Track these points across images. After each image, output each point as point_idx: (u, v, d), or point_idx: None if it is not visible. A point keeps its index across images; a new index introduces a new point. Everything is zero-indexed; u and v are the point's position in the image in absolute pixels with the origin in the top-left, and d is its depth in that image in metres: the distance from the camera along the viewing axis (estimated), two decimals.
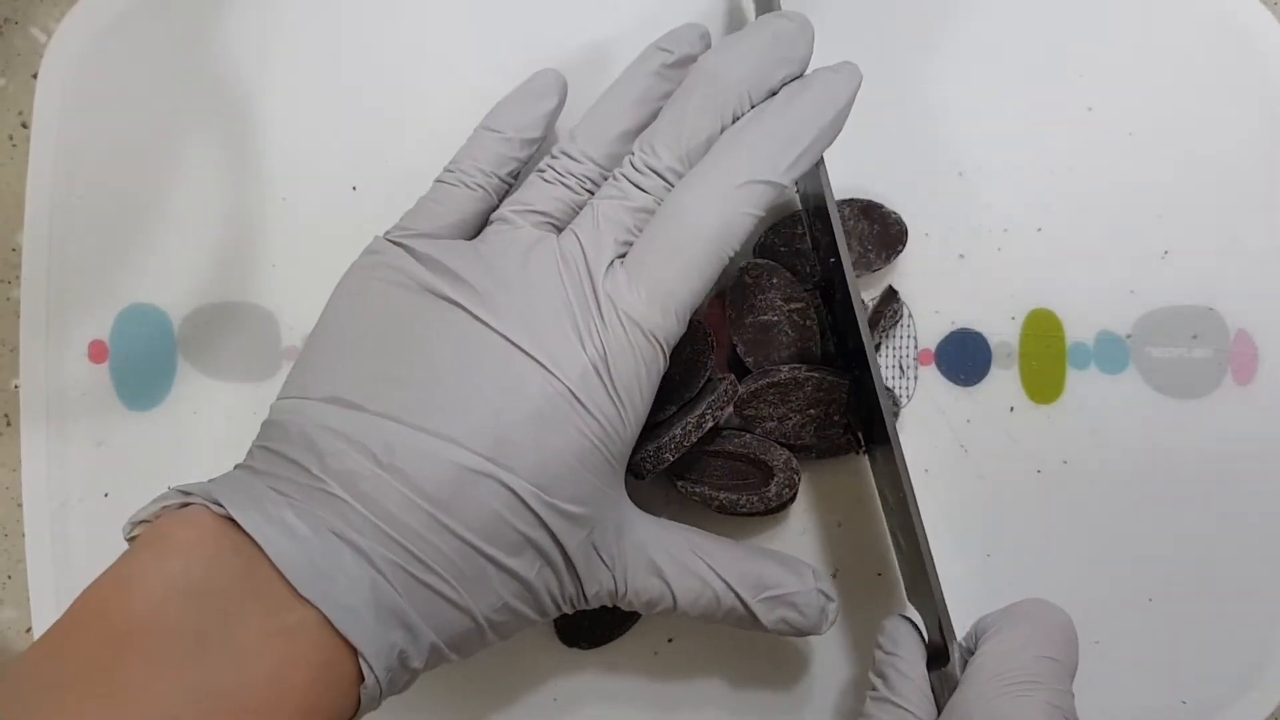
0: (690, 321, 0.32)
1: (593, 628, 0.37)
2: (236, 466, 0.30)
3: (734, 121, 0.31)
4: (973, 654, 0.31)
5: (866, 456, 0.37)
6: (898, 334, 0.38)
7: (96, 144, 0.38)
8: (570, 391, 0.29)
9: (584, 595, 0.31)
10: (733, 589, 0.32)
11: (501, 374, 0.29)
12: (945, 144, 0.38)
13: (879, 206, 0.37)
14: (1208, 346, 0.38)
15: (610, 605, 0.32)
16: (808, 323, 0.36)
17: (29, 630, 0.38)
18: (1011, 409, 0.38)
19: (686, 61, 0.32)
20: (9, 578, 0.39)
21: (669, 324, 0.30)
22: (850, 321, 0.34)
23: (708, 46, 0.33)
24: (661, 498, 0.37)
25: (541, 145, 0.34)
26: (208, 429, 0.38)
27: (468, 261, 0.30)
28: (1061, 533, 0.38)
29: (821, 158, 0.32)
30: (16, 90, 0.39)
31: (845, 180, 0.38)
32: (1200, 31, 0.38)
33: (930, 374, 0.38)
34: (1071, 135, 0.38)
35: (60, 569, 0.38)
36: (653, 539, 0.32)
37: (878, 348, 0.38)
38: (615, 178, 0.31)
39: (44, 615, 0.37)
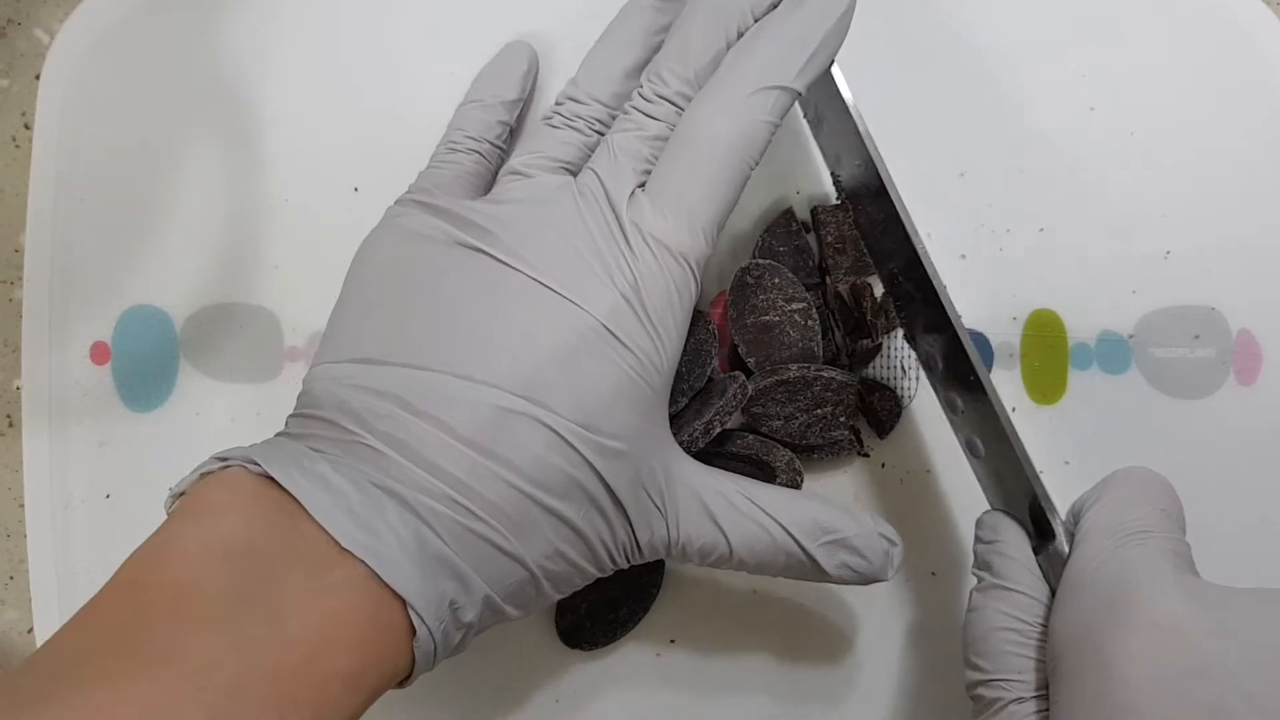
0: (694, 311, 0.32)
1: (594, 629, 0.37)
2: (276, 434, 0.29)
3: (736, 32, 0.30)
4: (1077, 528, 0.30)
5: (879, 437, 0.37)
6: (899, 334, 0.38)
7: (99, 145, 0.38)
8: (602, 324, 0.28)
9: (637, 543, 0.30)
10: (790, 533, 0.31)
11: (530, 314, 0.28)
12: (947, 144, 0.38)
13: None
14: (1210, 347, 0.38)
15: (664, 556, 0.31)
16: (809, 322, 0.36)
17: (30, 631, 0.38)
18: (1013, 409, 0.38)
19: None
20: (11, 578, 0.39)
21: (698, 244, 0.29)
22: (896, 231, 0.32)
23: None
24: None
25: (525, 107, 0.36)
26: (210, 430, 0.38)
27: (486, 209, 0.30)
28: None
29: (833, 74, 0.32)
30: (20, 91, 0.39)
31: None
32: (1202, 31, 0.38)
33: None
34: (1073, 135, 0.38)
35: (62, 570, 0.38)
36: (703, 483, 0.31)
37: (879, 349, 0.38)
38: (627, 111, 0.31)
39: (46, 616, 0.37)
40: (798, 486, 0.36)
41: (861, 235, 0.36)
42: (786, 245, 0.37)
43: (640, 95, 0.31)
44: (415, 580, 0.26)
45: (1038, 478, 0.31)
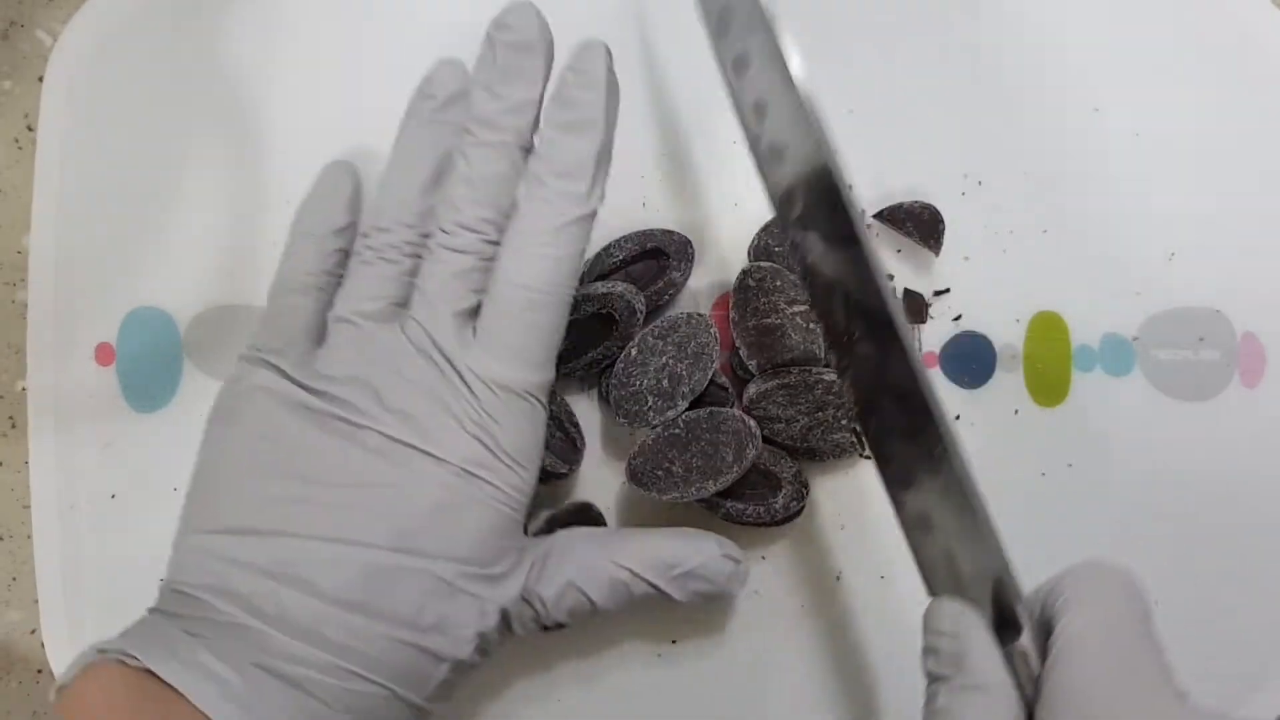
0: (696, 315, 0.33)
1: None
2: (149, 610, 0.30)
3: (516, 149, 0.31)
4: (1047, 631, 0.27)
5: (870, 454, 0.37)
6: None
7: (102, 147, 0.38)
8: (465, 470, 0.29)
9: (511, 635, 0.32)
10: (641, 577, 0.32)
11: (392, 471, 0.29)
12: (952, 146, 0.38)
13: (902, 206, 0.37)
14: (1214, 349, 0.38)
15: (538, 630, 0.32)
16: (811, 325, 0.36)
17: (34, 631, 0.38)
18: (1016, 411, 0.38)
19: (452, 102, 0.33)
20: (14, 579, 0.39)
21: (536, 377, 0.30)
22: (869, 284, 0.28)
23: (466, 78, 0.33)
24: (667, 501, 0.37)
25: (353, 229, 0.34)
26: None
27: (330, 371, 0.31)
28: (1066, 536, 0.37)
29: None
30: (22, 93, 0.39)
31: (851, 183, 0.38)
32: (1208, 33, 0.38)
33: (934, 376, 0.38)
34: (1078, 137, 0.38)
35: (68, 571, 0.38)
36: (555, 555, 0.32)
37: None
38: (430, 249, 0.31)
39: (52, 617, 0.38)
40: (803, 500, 0.36)
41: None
42: (783, 245, 0.37)
43: (441, 230, 0.31)
44: None
45: (1006, 559, 0.28)
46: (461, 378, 0.30)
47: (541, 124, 0.31)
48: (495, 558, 0.30)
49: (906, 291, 0.38)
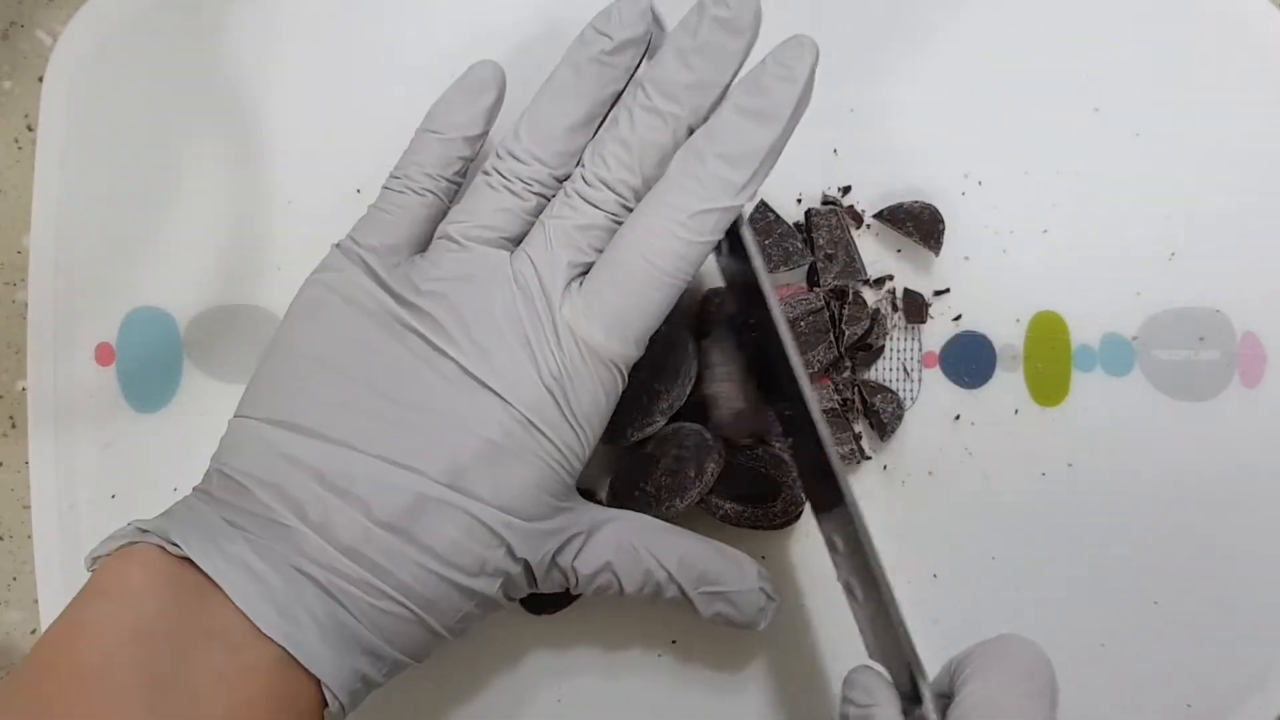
0: (677, 333, 0.33)
1: (557, 595, 0.36)
2: (195, 489, 0.30)
3: (685, 126, 0.30)
4: (949, 697, 0.29)
5: (812, 511, 0.36)
6: (899, 337, 0.38)
7: (102, 147, 0.38)
8: (528, 419, 0.29)
9: (537, 588, 0.32)
10: (675, 580, 0.32)
11: (459, 403, 0.29)
12: (951, 146, 0.38)
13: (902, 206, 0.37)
14: (1214, 349, 0.38)
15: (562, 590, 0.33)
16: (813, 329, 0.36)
17: (34, 632, 0.38)
18: (1016, 411, 0.38)
19: (628, 46, 0.31)
20: (14, 579, 0.39)
21: (627, 351, 0.30)
22: (790, 379, 0.31)
23: (649, 24, 0.31)
24: None
25: (485, 138, 0.33)
26: (213, 431, 0.38)
27: (424, 286, 0.30)
28: (1066, 536, 0.37)
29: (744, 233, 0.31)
30: (22, 93, 0.39)
31: (853, 184, 0.38)
32: (1207, 32, 0.38)
33: (934, 376, 0.38)
34: (1078, 136, 0.38)
35: (68, 571, 0.38)
36: (603, 533, 0.32)
37: (882, 350, 0.38)
38: (566, 193, 0.31)
39: (52, 617, 0.37)
40: (802, 505, 0.36)
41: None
42: (770, 237, 0.37)
43: (581, 177, 0.30)
44: (331, 663, 0.27)
45: (909, 640, 0.29)
46: (556, 329, 0.29)
47: (724, 103, 0.30)
48: (539, 513, 0.30)
49: (907, 291, 0.38)
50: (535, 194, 0.31)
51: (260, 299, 0.38)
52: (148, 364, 0.38)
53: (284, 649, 0.26)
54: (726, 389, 0.35)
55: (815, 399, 0.31)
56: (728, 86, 0.30)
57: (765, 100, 0.29)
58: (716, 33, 0.29)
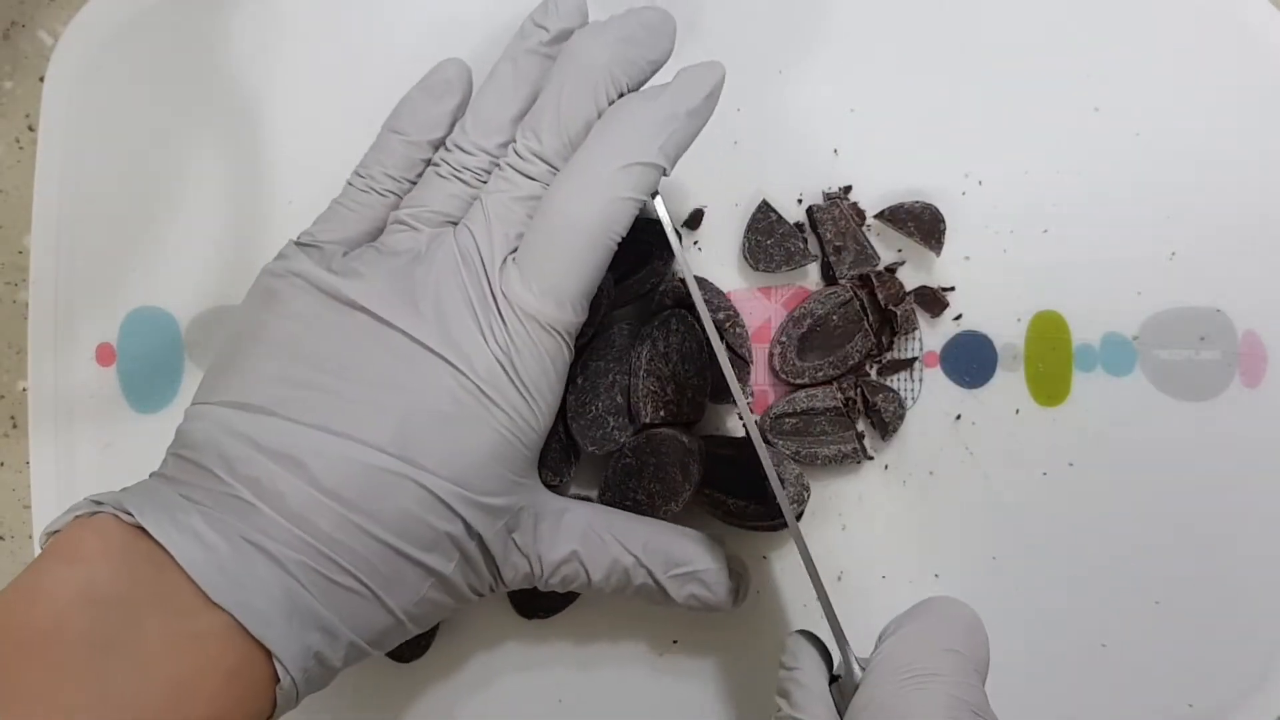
0: (627, 327, 0.34)
1: (547, 596, 0.37)
2: (151, 474, 0.30)
3: (607, 102, 0.31)
4: None
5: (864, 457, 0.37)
6: (909, 335, 0.38)
7: (103, 147, 0.38)
8: (479, 389, 0.29)
9: (501, 580, 0.32)
10: (643, 565, 0.33)
11: (410, 374, 0.29)
12: (952, 146, 0.38)
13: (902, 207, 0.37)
14: (1215, 348, 0.38)
15: (528, 586, 0.33)
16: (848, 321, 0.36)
17: None
18: (1017, 411, 0.38)
19: (564, 36, 0.32)
20: None
21: (565, 316, 0.30)
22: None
23: (584, 16, 0.33)
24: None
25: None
26: None
27: (372, 266, 0.31)
28: (1067, 535, 0.37)
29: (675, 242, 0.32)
30: (24, 93, 0.39)
31: (854, 184, 0.38)
32: (1207, 31, 0.38)
33: (935, 376, 0.38)
34: (1078, 136, 0.38)
35: None
36: (567, 520, 0.32)
37: (890, 345, 0.38)
38: (501, 167, 0.31)
39: None
40: (804, 503, 0.36)
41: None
42: (772, 238, 0.37)
43: (515, 152, 0.31)
44: (282, 634, 0.26)
45: (830, 607, 0.31)
46: (495, 300, 0.30)
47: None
48: (493, 487, 0.30)
49: (920, 289, 0.38)
50: (481, 183, 0.32)
51: None
52: (148, 364, 0.38)
53: (233, 618, 0.26)
54: (653, 384, 0.35)
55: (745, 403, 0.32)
56: (655, 63, 0.31)
57: (680, 81, 0.31)
58: (655, 20, 0.31)
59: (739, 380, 0.35)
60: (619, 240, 0.30)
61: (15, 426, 0.39)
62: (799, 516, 0.36)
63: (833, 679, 0.31)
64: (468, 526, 0.29)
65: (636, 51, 0.31)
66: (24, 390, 0.39)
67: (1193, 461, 0.37)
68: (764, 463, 0.31)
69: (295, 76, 0.38)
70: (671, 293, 0.36)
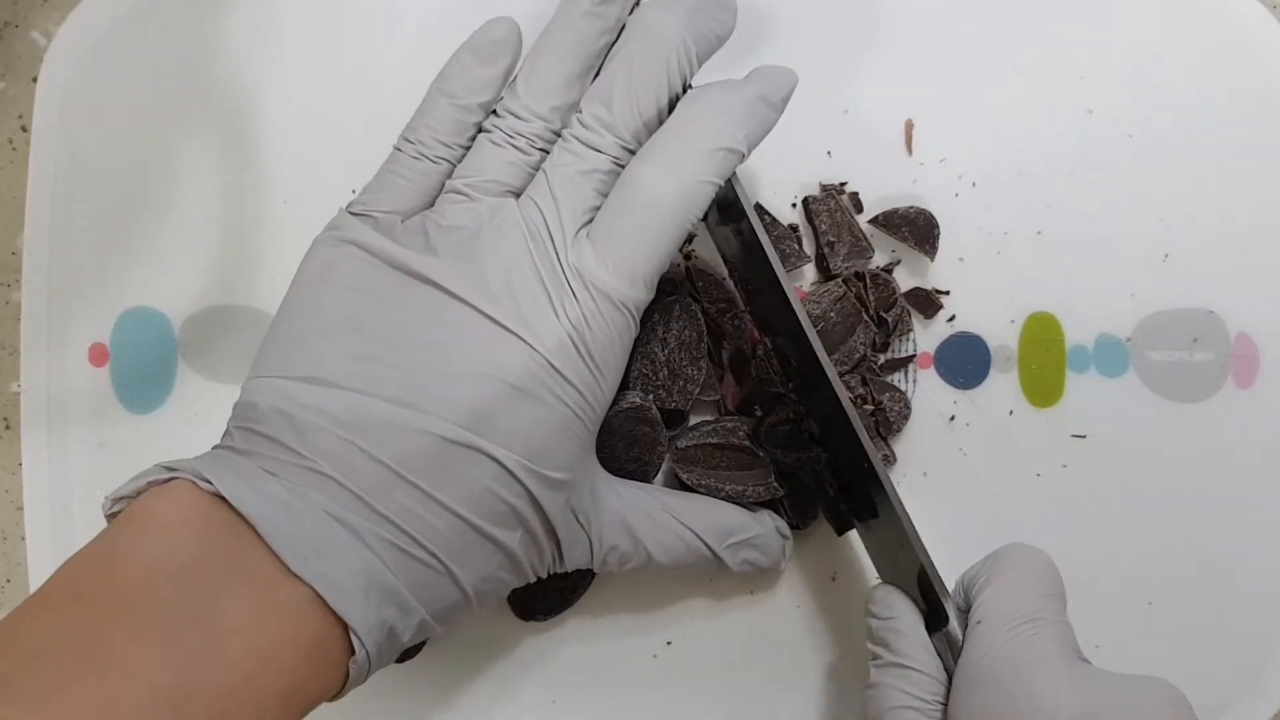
0: (690, 313, 0.34)
1: (545, 598, 0.37)
2: (215, 447, 0.29)
3: (679, 76, 0.30)
4: (967, 609, 0.32)
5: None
6: (909, 334, 0.38)
7: (96, 147, 0.38)
8: (549, 362, 0.29)
9: (561, 559, 0.31)
10: (701, 538, 0.34)
11: (480, 348, 0.29)
12: (945, 147, 0.38)
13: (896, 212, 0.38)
14: (1208, 350, 0.38)
15: (586, 566, 0.33)
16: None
17: None
18: (1011, 412, 0.38)
19: None
20: (8, 581, 0.39)
21: (638, 293, 0.30)
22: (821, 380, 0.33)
23: None
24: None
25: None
26: (208, 432, 0.37)
27: (435, 237, 0.30)
28: (1061, 536, 0.37)
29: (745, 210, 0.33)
30: (17, 94, 0.39)
31: (849, 182, 0.38)
32: (1201, 34, 0.38)
33: (929, 377, 0.38)
34: (1072, 138, 0.38)
35: None
36: (624, 499, 0.33)
37: (886, 347, 0.38)
38: (566, 139, 0.31)
39: None
40: (812, 517, 0.37)
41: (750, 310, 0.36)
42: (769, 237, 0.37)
43: (580, 122, 0.31)
44: (360, 609, 0.26)
45: (929, 557, 0.32)
46: (566, 274, 0.29)
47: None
48: (561, 462, 0.30)
49: (913, 290, 0.38)
50: (539, 149, 0.31)
51: (255, 299, 0.38)
52: (142, 364, 0.38)
53: (314, 590, 0.25)
54: (646, 366, 0.35)
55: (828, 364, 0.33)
56: (721, 38, 0.31)
57: (762, 74, 0.31)
58: None
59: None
60: (696, 220, 0.30)
61: (8, 427, 0.39)
62: (803, 525, 0.36)
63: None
64: (535, 501, 0.29)
65: (706, 24, 0.31)
66: (16, 391, 0.39)
67: (1186, 462, 0.38)
68: (846, 410, 0.33)
69: (289, 76, 0.38)
70: (676, 278, 0.36)
